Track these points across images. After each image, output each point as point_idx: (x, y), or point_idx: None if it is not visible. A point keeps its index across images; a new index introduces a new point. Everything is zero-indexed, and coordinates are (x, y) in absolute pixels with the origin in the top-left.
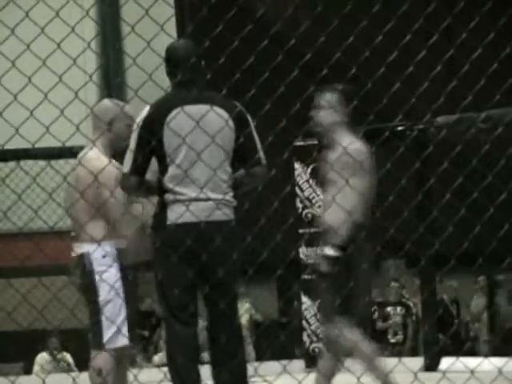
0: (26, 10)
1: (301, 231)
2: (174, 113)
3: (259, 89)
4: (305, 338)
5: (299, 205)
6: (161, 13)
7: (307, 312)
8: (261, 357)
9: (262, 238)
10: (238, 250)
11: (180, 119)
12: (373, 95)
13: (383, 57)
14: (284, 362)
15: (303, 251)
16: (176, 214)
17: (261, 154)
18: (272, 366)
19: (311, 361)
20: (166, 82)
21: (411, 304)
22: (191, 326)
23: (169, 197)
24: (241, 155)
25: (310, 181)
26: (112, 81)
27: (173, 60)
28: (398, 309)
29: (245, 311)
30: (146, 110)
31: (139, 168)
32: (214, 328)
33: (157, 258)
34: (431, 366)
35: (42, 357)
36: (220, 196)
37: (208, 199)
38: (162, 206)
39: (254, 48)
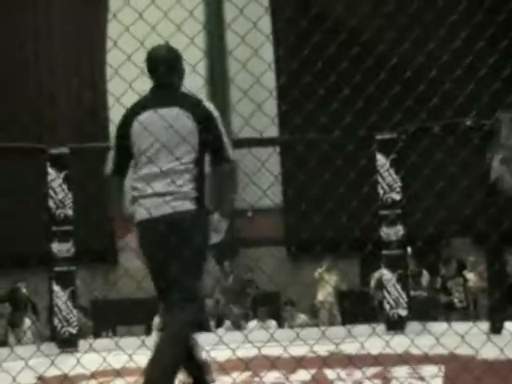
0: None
1: (382, 213)
2: (138, 117)
3: (352, 91)
4: (385, 305)
5: (380, 190)
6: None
7: (387, 283)
8: (346, 321)
9: (348, 219)
10: (197, 239)
11: (143, 123)
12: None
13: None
14: (373, 325)
15: (384, 230)
16: (140, 210)
17: (227, 150)
18: (358, 329)
19: (391, 325)
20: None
21: (472, 277)
22: None
23: (134, 194)
24: (209, 151)
25: (390, 170)
26: (216, 76)
27: (148, 64)
28: (458, 281)
29: (333, 282)
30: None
31: (119, 168)
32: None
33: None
34: (497, 329)
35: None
36: (179, 189)
37: (167, 193)
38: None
39: (345, 55)
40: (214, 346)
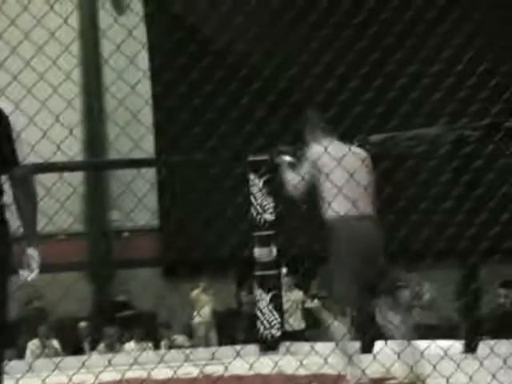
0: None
1: (255, 234)
2: None
3: (220, 113)
4: (259, 325)
5: (253, 211)
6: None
7: (260, 303)
8: (223, 342)
9: (222, 240)
10: None
11: None
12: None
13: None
14: (240, 346)
15: (257, 251)
16: None
17: (20, 154)
18: (231, 350)
19: (265, 345)
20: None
21: None
22: None
23: None
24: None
25: (263, 190)
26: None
27: None
28: None
29: (209, 302)
30: None
31: None
32: None
33: None
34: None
35: (33, 343)
36: None
37: None
38: None
39: (212, 75)
40: (79, 369)
